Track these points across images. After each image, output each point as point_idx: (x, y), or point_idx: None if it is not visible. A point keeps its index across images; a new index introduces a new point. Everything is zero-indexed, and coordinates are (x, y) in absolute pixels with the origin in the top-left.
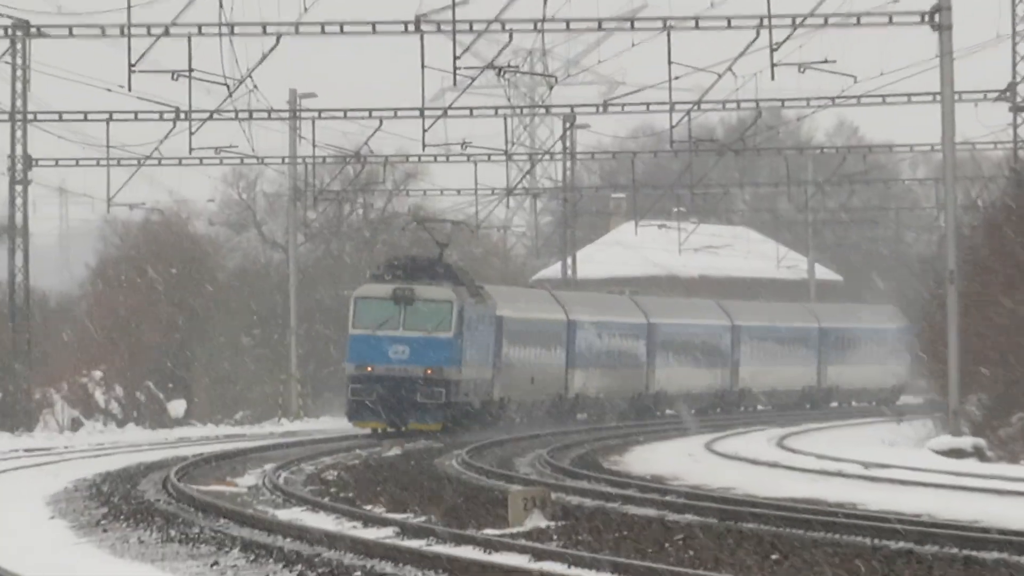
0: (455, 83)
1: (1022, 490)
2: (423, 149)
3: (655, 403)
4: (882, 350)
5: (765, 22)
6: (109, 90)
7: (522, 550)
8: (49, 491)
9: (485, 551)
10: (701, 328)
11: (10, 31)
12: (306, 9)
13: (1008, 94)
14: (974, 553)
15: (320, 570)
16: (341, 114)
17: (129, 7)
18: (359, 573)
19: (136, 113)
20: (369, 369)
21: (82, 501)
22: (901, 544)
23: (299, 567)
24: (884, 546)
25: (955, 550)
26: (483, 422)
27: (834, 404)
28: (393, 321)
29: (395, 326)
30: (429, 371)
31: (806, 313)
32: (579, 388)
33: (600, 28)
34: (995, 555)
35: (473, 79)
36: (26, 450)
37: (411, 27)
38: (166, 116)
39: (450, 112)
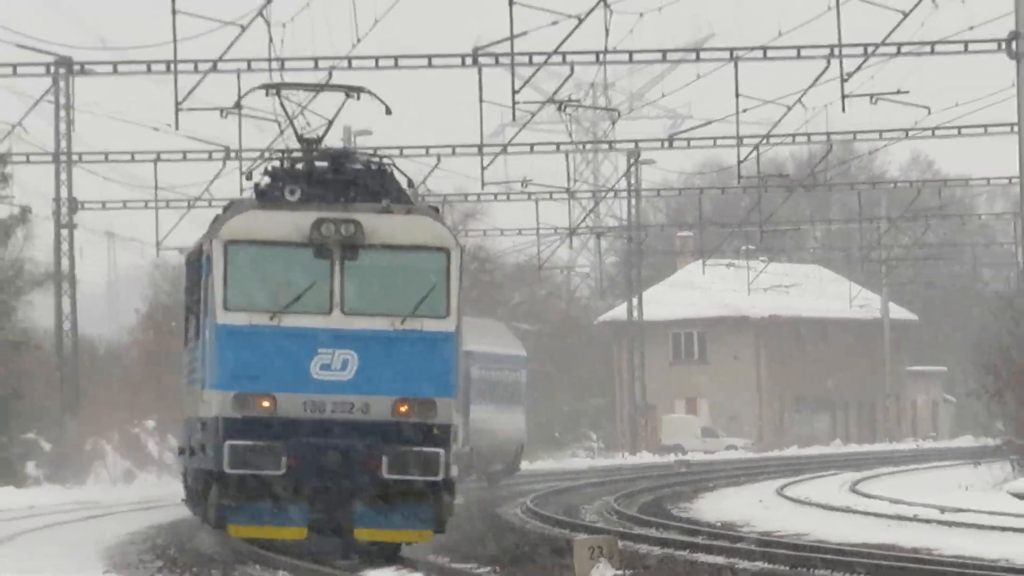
0: (514, 118)
1: None
2: (482, 187)
3: None
4: (511, 390)
5: (835, 51)
6: (156, 129)
7: None
8: (102, 544)
9: None
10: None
11: (52, 68)
12: (359, 40)
13: None
14: None
15: None
16: (397, 151)
17: (176, 42)
18: None
19: (184, 153)
20: (266, 405)
21: (136, 554)
22: None
23: None
24: None
25: None
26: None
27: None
28: (318, 295)
29: (323, 306)
30: (405, 408)
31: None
32: None
33: (664, 60)
34: None
35: (533, 114)
36: (78, 503)
37: (468, 60)
38: (215, 155)
39: (510, 148)
